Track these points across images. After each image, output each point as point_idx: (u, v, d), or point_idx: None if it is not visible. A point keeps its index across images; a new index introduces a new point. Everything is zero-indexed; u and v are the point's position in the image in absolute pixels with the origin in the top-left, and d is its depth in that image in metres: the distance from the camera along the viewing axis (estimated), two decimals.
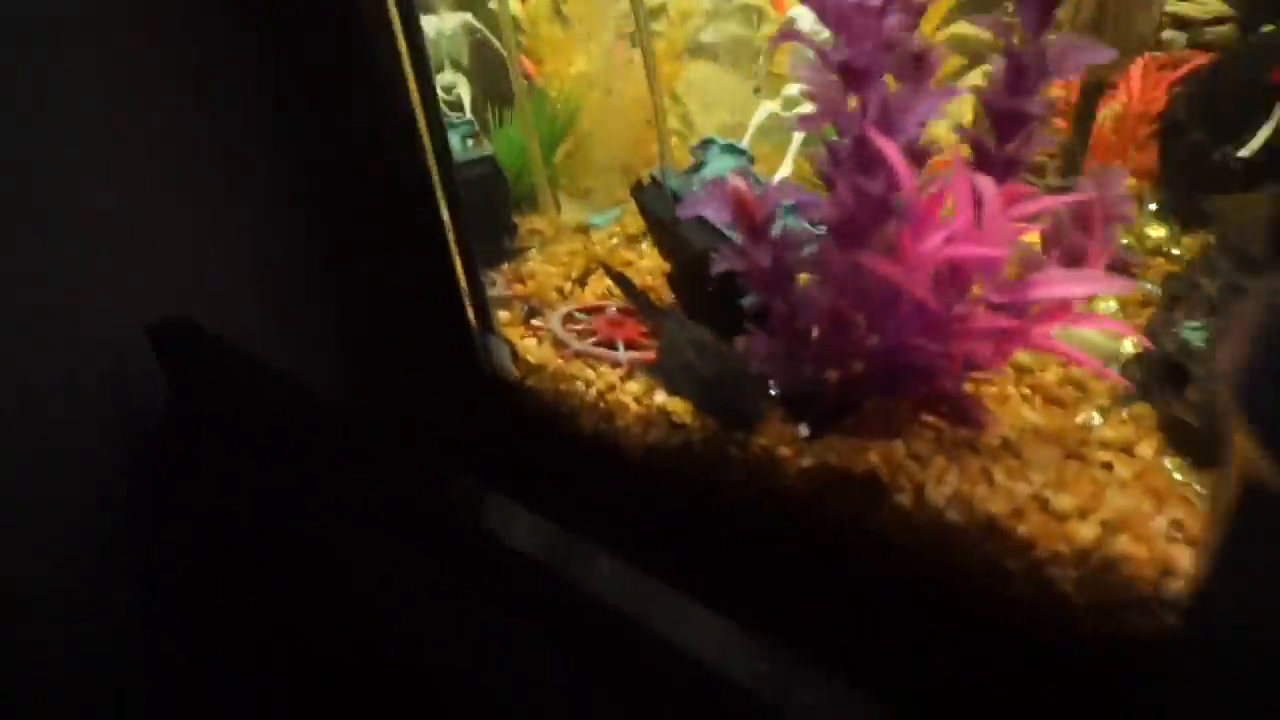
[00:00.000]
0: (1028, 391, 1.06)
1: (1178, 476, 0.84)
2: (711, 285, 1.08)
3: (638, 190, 1.30)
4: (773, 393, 1.10)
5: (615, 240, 1.62)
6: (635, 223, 1.62)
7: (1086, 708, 0.78)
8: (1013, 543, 0.83)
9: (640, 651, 0.72)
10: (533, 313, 1.51)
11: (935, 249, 0.77)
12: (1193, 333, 0.79)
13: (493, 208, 1.49)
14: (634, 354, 1.38)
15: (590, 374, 1.35)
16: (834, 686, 0.62)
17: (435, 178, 1.25)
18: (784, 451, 1.03)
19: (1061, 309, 0.79)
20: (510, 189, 1.53)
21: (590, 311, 1.38)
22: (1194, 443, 0.81)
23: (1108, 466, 0.86)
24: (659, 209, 1.26)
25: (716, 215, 0.94)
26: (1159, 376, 0.89)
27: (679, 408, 1.23)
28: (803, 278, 0.99)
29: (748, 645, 0.68)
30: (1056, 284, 0.76)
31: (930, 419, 1.00)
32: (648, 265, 1.49)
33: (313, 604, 1.50)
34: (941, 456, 0.94)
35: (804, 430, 1.08)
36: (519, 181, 1.61)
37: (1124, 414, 0.95)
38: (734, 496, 1.08)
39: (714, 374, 1.16)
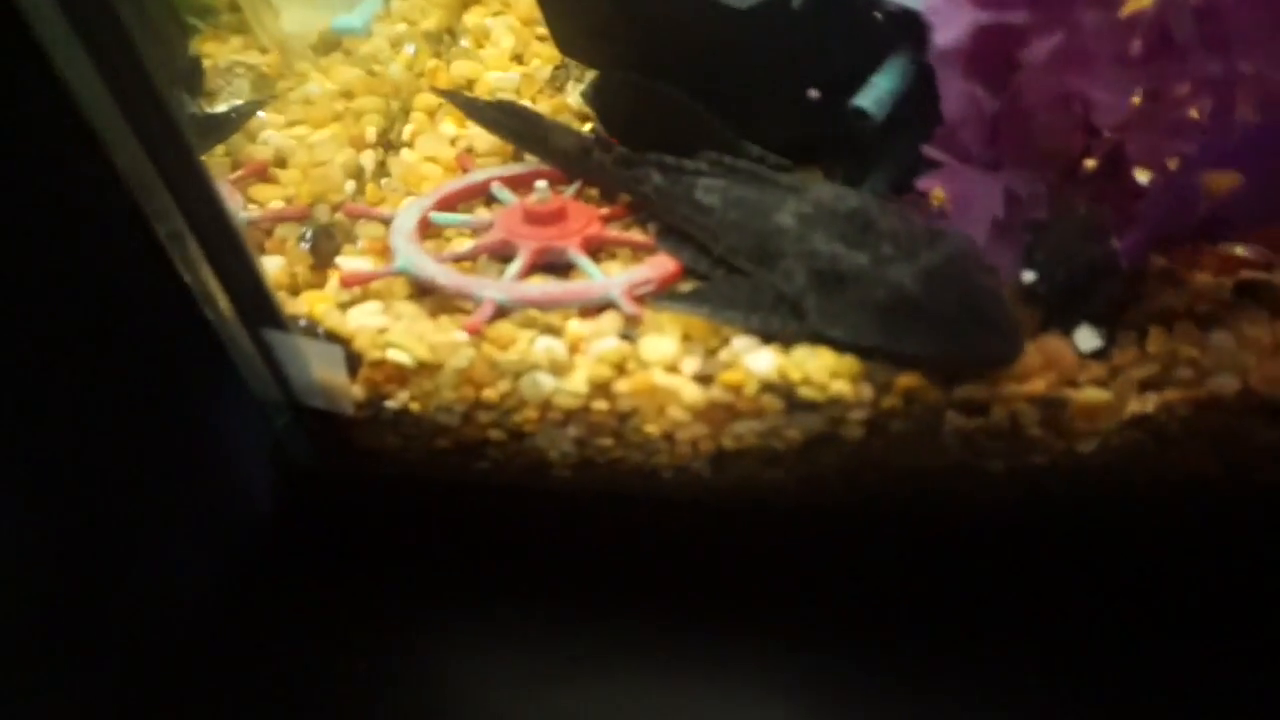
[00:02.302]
0: None
1: None
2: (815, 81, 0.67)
3: None
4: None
5: (410, 47, 0.79)
6: (422, 10, 0.96)
7: None
8: None
9: None
10: (325, 238, 0.69)
11: None
12: None
13: (148, 32, 0.60)
14: (631, 274, 0.64)
15: (551, 348, 0.61)
16: None
17: None
18: (1092, 394, 0.57)
19: None
20: None
21: (468, 199, 0.76)
22: None
23: None
24: None
25: None
26: None
27: (816, 366, 0.57)
28: None
29: None
30: None
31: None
32: (505, 73, 0.88)
33: None
34: None
35: (1088, 339, 0.59)
36: None
37: None
38: (996, 510, 0.64)
39: (924, 268, 0.55)
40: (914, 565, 0.66)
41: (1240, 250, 0.62)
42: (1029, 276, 0.58)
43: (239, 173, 0.73)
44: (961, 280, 0.54)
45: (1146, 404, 0.55)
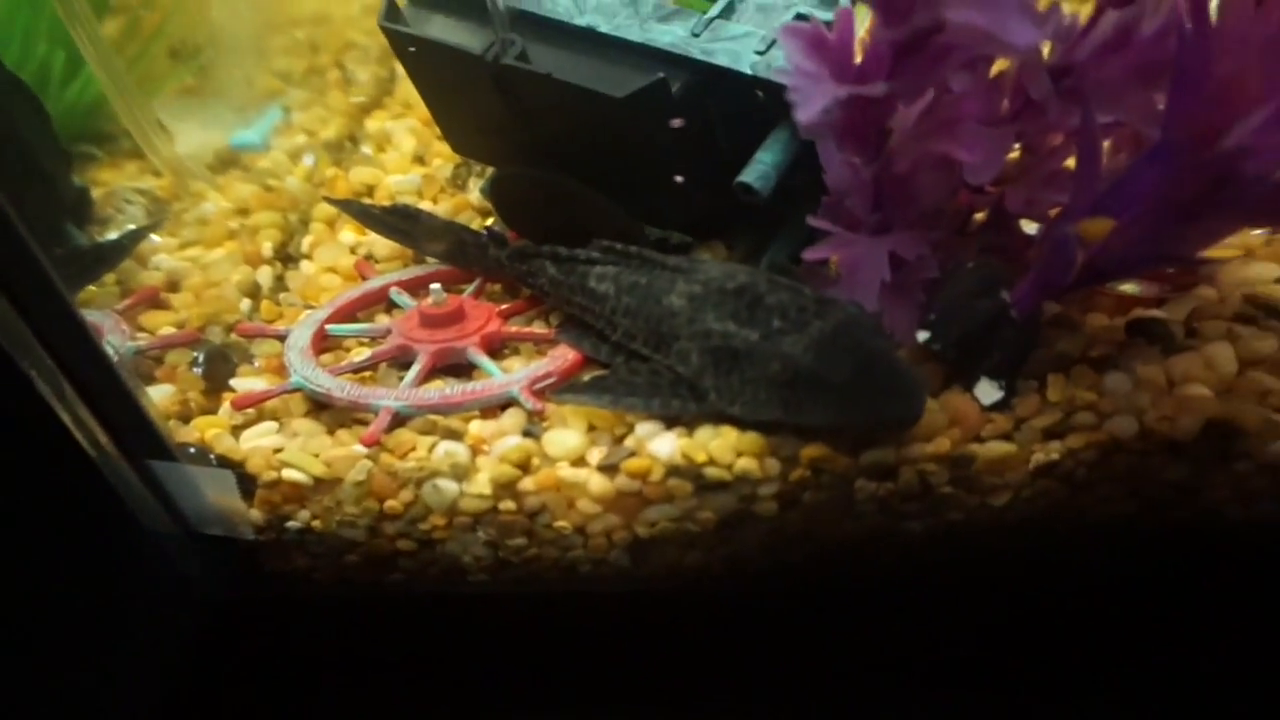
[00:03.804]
0: None
1: None
2: (691, 162, 0.68)
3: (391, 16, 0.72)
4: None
5: (309, 158, 0.79)
6: (322, 120, 0.96)
7: None
8: None
9: None
10: (219, 360, 0.67)
11: None
12: None
13: (29, 169, 0.59)
14: (531, 369, 0.63)
15: (452, 452, 0.59)
16: None
17: None
18: (996, 448, 0.57)
19: None
20: (50, 121, 0.65)
21: (367, 307, 0.75)
22: None
23: None
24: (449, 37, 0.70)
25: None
26: None
27: (719, 445, 0.56)
28: None
29: None
30: None
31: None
32: (406, 176, 0.88)
33: None
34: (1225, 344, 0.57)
35: (988, 392, 0.59)
36: (66, 103, 0.84)
37: None
38: (925, 570, 0.64)
39: (814, 338, 0.54)
40: (846, 634, 0.64)
41: (1131, 288, 0.63)
42: (924, 335, 0.58)
43: (128, 301, 0.71)
44: (854, 346, 0.53)
45: (1051, 452, 0.55)
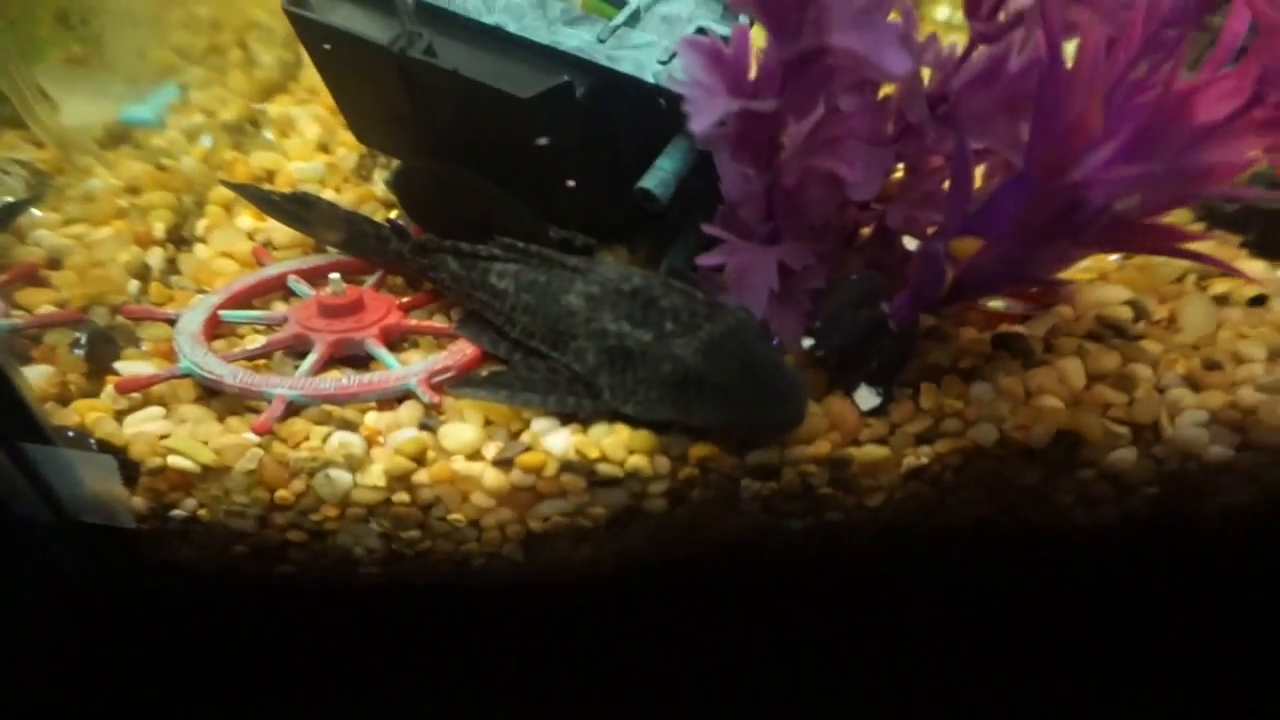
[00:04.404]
0: None
1: None
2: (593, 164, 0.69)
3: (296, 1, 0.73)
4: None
5: (207, 138, 0.78)
6: (222, 100, 0.95)
7: None
8: None
9: None
10: (102, 342, 0.65)
11: None
12: None
13: None
14: (429, 362, 0.63)
15: (346, 442, 0.59)
16: None
17: None
18: (872, 451, 0.60)
19: None
20: None
21: (263, 294, 0.74)
22: None
23: None
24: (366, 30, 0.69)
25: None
26: None
27: (612, 443, 0.59)
28: None
29: None
30: None
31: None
32: (309, 163, 0.88)
33: None
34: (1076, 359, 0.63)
35: (866, 398, 0.63)
36: None
37: None
38: (802, 566, 0.68)
39: (705, 341, 0.57)
40: (726, 629, 0.67)
41: (999, 305, 0.68)
42: (808, 342, 0.61)
43: (3, 276, 0.68)
44: (741, 350, 0.56)
45: (922, 456, 0.59)
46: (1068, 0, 0.50)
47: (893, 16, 0.51)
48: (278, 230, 0.78)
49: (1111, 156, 0.47)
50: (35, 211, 0.74)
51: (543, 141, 0.67)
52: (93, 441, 0.58)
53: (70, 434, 0.58)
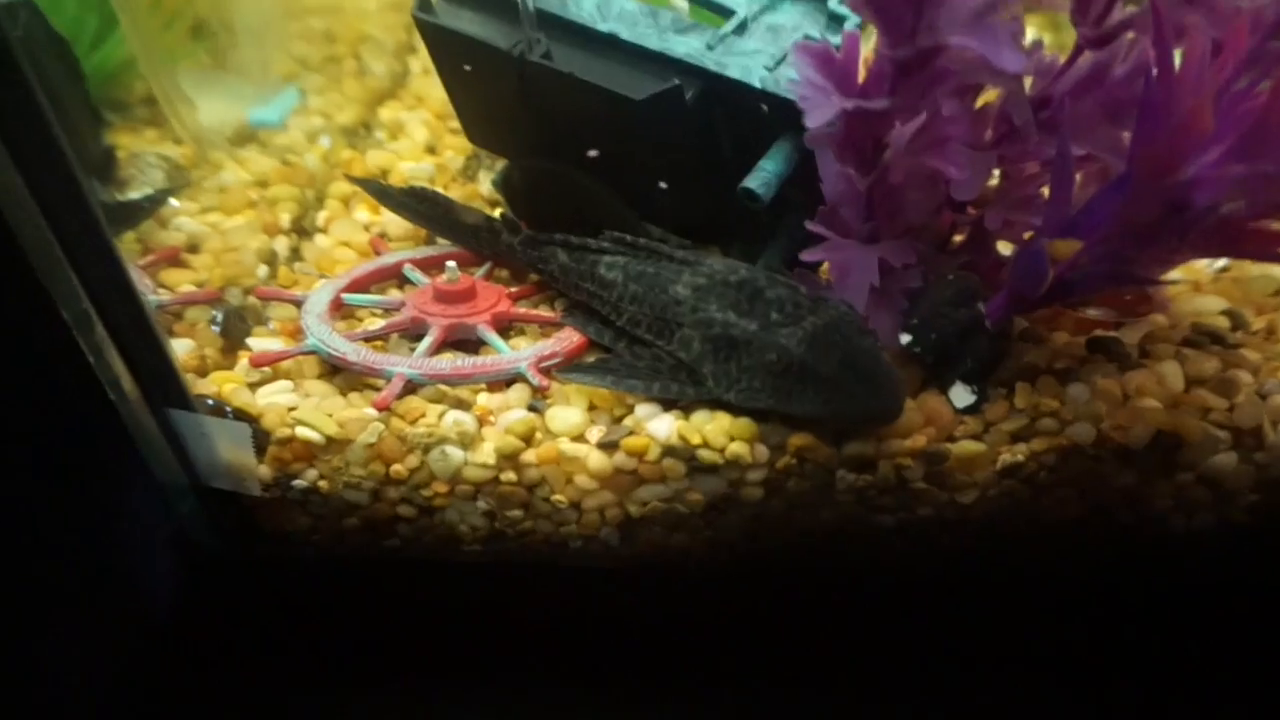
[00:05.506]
0: None
1: None
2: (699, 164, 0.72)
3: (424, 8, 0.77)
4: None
5: (325, 139, 0.82)
6: (338, 105, 1.00)
7: None
8: None
9: None
10: (236, 320, 0.70)
11: None
12: None
13: (61, 119, 0.61)
14: (538, 348, 0.66)
15: (460, 421, 0.62)
16: None
17: None
18: (968, 447, 0.61)
19: None
20: (82, 74, 0.67)
21: (380, 281, 0.78)
22: None
23: None
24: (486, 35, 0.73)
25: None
26: None
27: (713, 429, 0.61)
28: None
29: None
30: None
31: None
32: (418, 163, 0.93)
33: None
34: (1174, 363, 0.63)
35: (962, 396, 0.64)
36: (92, 66, 0.84)
37: None
38: (890, 565, 0.69)
39: (809, 332, 0.59)
40: (816, 621, 0.68)
41: (1092, 312, 0.69)
42: (906, 339, 0.63)
43: (150, 258, 0.73)
44: (844, 342, 0.58)
45: (1017, 454, 0.60)
46: (1179, 2, 0.51)
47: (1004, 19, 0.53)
48: (392, 223, 0.83)
49: (1220, 157, 0.48)
50: (174, 201, 0.80)
51: (653, 142, 0.70)
52: (229, 410, 0.63)
53: (210, 402, 0.62)
